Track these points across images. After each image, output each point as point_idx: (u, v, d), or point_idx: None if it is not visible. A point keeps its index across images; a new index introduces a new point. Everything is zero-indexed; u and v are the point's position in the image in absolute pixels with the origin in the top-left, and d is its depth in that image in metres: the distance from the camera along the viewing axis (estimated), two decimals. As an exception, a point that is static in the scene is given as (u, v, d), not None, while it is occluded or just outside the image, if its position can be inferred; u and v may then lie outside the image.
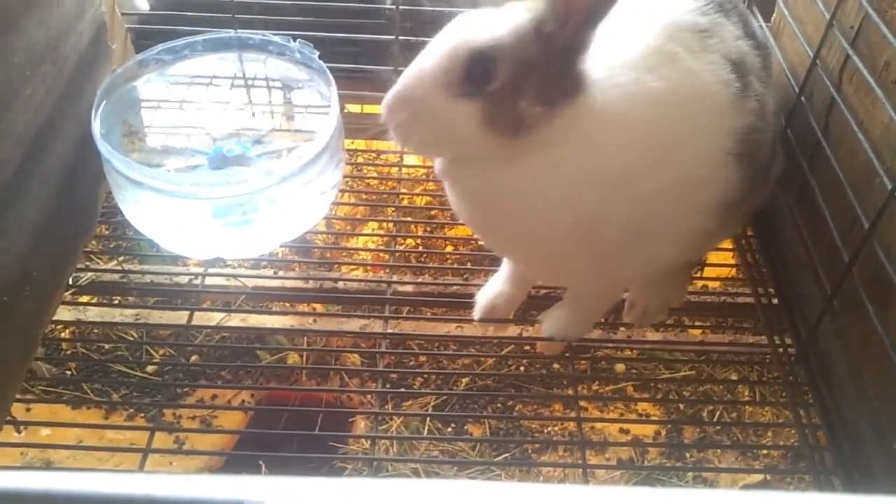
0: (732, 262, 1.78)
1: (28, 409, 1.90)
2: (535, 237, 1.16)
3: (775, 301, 1.53)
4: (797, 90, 1.41)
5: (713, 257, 1.84)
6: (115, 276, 1.83)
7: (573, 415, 1.48)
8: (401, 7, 1.85)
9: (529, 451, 2.05)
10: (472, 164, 1.11)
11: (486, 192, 1.13)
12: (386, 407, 2.03)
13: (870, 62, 1.20)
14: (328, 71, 1.59)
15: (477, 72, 1.01)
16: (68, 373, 2.11)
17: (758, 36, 1.23)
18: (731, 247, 1.71)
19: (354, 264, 2.28)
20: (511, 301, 1.50)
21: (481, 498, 0.36)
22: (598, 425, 2.07)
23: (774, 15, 1.61)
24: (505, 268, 1.50)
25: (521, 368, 2.16)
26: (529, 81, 1.01)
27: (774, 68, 1.33)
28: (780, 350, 1.46)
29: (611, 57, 1.07)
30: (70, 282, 1.56)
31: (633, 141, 1.06)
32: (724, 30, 1.16)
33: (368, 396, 2.08)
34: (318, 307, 2.01)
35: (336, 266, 2.21)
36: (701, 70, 1.10)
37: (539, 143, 1.04)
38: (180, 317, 1.74)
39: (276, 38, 1.68)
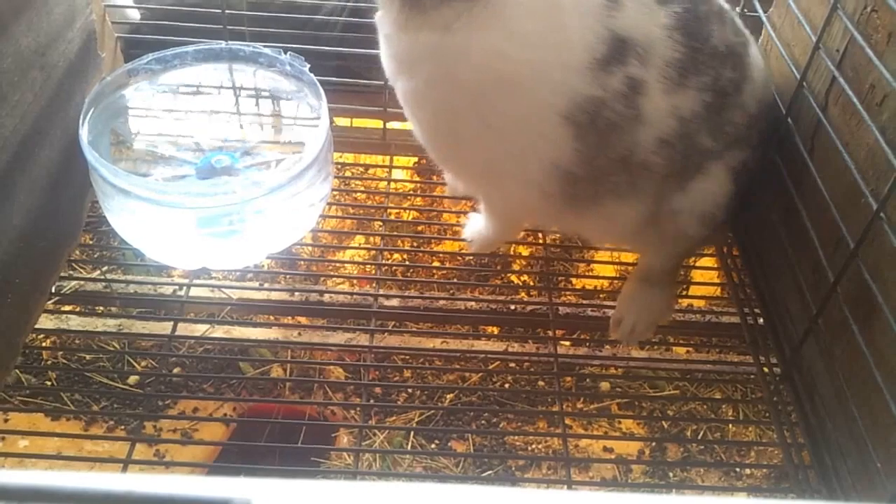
0: (718, 281, 1.79)
1: (6, 420, 1.88)
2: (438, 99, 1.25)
3: (760, 321, 1.54)
4: (784, 112, 1.43)
5: (698, 276, 1.85)
6: (99, 286, 1.81)
7: (558, 432, 1.47)
8: (392, 22, 1.86)
9: (513, 468, 2.04)
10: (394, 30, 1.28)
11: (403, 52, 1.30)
12: (370, 421, 2.02)
13: (855, 84, 1.21)
14: (318, 84, 1.59)
15: None
16: (48, 383, 2.08)
17: (699, 37, 1.19)
18: (716, 266, 1.72)
19: (341, 277, 2.27)
20: None
21: (468, 501, 0.35)
22: (583, 443, 2.06)
23: (761, 37, 1.62)
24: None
25: (507, 385, 2.15)
26: None
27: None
28: (765, 369, 1.46)
29: None
30: (53, 290, 1.54)
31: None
32: (639, 9, 1.15)
33: (352, 411, 2.06)
34: (303, 320, 2.00)
35: (322, 279, 2.20)
36: (571, 26, 1.14)
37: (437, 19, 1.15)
38: (163, 328, 1.73)
39: (267, 50, 1.68)
